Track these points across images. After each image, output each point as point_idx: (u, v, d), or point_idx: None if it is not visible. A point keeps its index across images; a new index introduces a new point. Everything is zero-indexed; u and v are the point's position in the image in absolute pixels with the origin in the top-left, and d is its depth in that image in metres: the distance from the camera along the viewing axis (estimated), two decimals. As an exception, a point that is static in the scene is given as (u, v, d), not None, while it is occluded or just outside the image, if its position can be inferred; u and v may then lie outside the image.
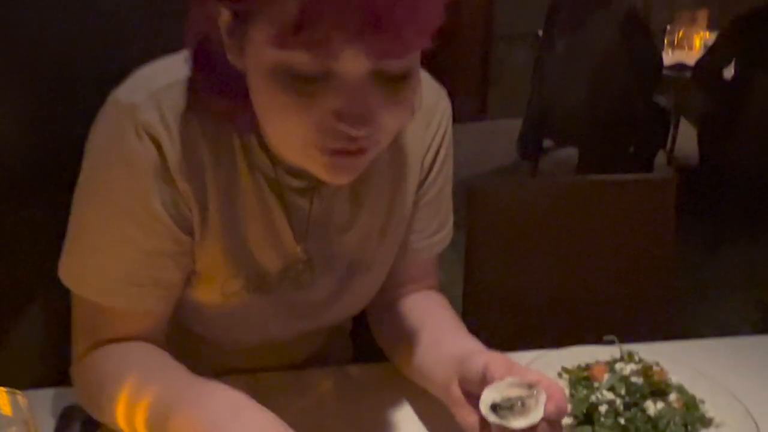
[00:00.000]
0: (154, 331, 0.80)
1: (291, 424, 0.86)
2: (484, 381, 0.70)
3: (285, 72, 0.61)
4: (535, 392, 0.67)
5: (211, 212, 0.77)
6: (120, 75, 0.78)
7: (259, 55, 0.62)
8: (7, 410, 0.59)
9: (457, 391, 0.74)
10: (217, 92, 0.71)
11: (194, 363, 0.85)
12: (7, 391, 0.60)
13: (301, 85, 0.61)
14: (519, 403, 0.66)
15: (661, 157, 4.02)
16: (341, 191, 0.84)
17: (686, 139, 4.18)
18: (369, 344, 1.05)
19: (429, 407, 0.86)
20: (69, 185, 0.78)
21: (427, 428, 0.86)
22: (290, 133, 0.65)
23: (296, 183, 0.79)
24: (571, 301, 1.40)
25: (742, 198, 3.37)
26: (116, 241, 0.74)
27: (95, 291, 0.76)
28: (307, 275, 0.85)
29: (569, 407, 0.87)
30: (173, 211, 0.75)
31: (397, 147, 0.86)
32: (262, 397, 0.90)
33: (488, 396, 0.68)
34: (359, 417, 0.88)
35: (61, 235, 0.79)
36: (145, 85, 0.73)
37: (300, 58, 0.59)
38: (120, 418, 0.72)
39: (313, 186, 0.80)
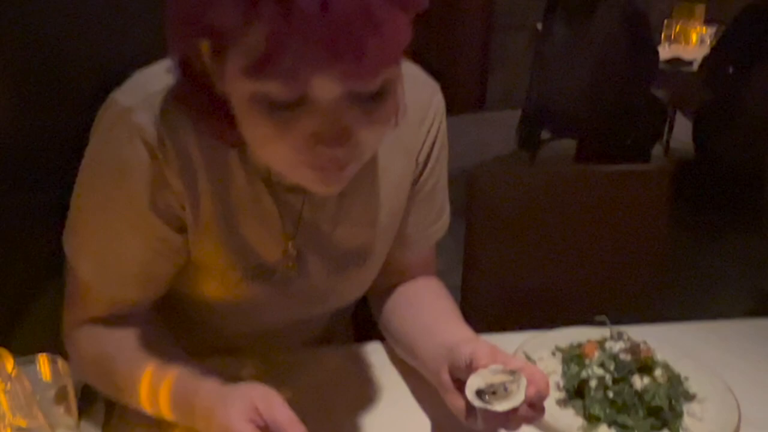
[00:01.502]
0: (141, 310, 0.85)
1: (297, 402, 0.91)
2: (471, 368, 0.75)
3: (261, 100, 0.62)
4: (517, 378, 0.72)
5: (203, 209, 0.80)
6: (121, 62, 0.82)
7: (236, 85, 0.64)
8: (47, 375, 0.65)
9: (446, 378, 0.79)
10: (205, 113, 0.73)
11: (199, 347, 0.90)
12: (48, 357, 0.65)
13: (278, 111, 0.63)
14: (502, 388, 0.71)
15: (657, 149, 4.06)
16: None
17: (682, 131, 4.22)
18: (370, 324, 1.10)
19: (428, 384, 0.92)
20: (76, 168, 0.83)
21: (427, 404, 0.91)
22: (274, 154, 0.68)
23: (288, 181, 0.82)
24: (567, 286, 1.45)
25: (736, 189, 3.42)
26: (107, 236, 0.79)
27: (88, 272, 0.81)
28: (301, 267, 0.88)
29: (561, 383, 0.93)
30: (165, 212, 0.79)
31: (389, 143, 0.87)
32: (267, 375, 0.95)
33: (473, 382, 0.73)
34: (364, 394, 0.93)
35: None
36: (142, 88, 0.77)
37: (273, 88, 0.61)
38: (143, 398, 0.77)
39: None
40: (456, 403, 0.77)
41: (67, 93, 1.26)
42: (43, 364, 0.64)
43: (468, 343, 0.78)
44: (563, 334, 1.03)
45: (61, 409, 0.64)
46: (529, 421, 0.72)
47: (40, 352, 0.68)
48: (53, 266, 0.96)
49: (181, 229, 0.81)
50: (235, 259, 0.84)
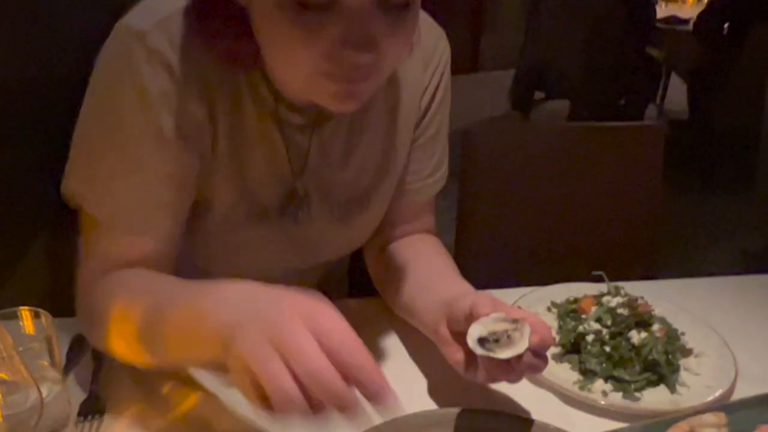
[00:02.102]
0: (160, 256, 0.79)
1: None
2: (471, 319, 0.72)
3: (291, 3, 0.63)
4: (520, 326, 0.69)
5: (218, 140, 0.78)
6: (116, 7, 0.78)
7: None
8: (30, 328, 0.63)
9: (445, 332, 0.77)
10: (222, 29, 0.71)
11: None
12: (30, 310, 0.63)
13: (308, 15, 0.63)
14: (505, 336, 0.68)
15: (651, 110, 4.04)
16: (339, 128, 0.85)
17: (676, 92, 4.20)
18: (365, 280, 1.08)
19: (423, 339, 0.91)
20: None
21: (423, 359, 0.89)
22: (297, 63, 0.67)
23: (296, 119, 0.81)
24: (561, 243, 1.44)
25: (728, 151, 3.41)
26: (126, 166, 0.75)
27: (100, 211, 0.76)
28: (304, 210, 0.87)
29: (557, 338, 0.92)
30: (184, 136, 0.75)
31: (394, 85, 0.87)
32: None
33: (475, 330, 0.70)
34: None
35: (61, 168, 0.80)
36: (153, 12, 0.74)
37: None
38: (112, 338, 0.71)
39: (313, 123, 0.82)
40: (455, 356, 0.75)
41: (56, 42, 1.22)
42: (25, 317, 0.62)
43: (467, 296, 0.76)
44: (559, 289, 1.02)
45: (45, 363, 0.63)
46: (532, 370, 0.70)
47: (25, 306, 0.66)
48: (40, 222, 0.93)
49: (199, 157, 0.78)
50: (240, 197, 0.82)
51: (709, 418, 0.73)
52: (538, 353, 0.69)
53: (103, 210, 0.76)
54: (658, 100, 4.25)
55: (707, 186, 3.37)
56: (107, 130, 0.75)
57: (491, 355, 0.67)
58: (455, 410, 0.73)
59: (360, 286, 1.12)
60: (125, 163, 0.75)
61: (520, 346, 0.67)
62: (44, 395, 0.60)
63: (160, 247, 0.79)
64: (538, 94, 3.95)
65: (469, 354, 0.74)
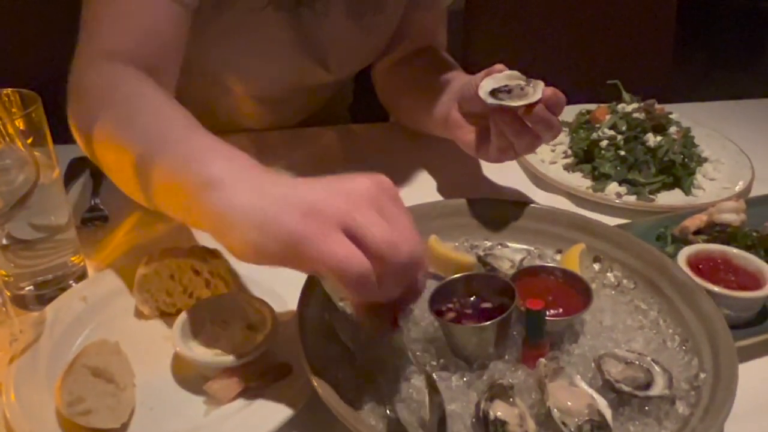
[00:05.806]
0: (170, 51, 0.70)
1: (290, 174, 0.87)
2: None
3: None
4: (533, 83, 0.67)
5: None
6: None
7: None
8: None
9: (455, 115, 0.75)
10: None
11: (201, 121, 0.83)
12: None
13: None
14: (518, 89, 0.66)
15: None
16: None
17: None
18: (368, 108, 1.06)
19: (430, 157, 0.89)
20: None
21: (427, 178, 0.87)
22: None
23: None
24: (572, 68, 1.36)
25: (738, 28, 3.30)
26: None
27: None
28: (322, 2, 0.83)
29: (568, 151, 0.89)
30: None
31: None
32: (266, 151, 0.92)
33: (487, 84, 0.68)
34: (361, 167, 0.89)
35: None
36: None
37: None
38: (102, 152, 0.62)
39: None
40: (467, 137, 0.74)
41: None
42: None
43: (479, 74, 0.72)
44: (568, 108, 0.98)
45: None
46: (545, 124, 0.66)
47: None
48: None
49: None
50: None
51: (728, 204, 0.71)
52: (551, 107, 0.66)
53: None
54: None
55: (714, 62, 3.28)
56: None
57: (503, 103, 0.65)
58: (471, 199, 0.70)
59: (363, 113, 1.10)
60: None
61: (533, 97, 0.65)
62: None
63: (172, 31, 0.69)
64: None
65: (480, 133, 0.72)
